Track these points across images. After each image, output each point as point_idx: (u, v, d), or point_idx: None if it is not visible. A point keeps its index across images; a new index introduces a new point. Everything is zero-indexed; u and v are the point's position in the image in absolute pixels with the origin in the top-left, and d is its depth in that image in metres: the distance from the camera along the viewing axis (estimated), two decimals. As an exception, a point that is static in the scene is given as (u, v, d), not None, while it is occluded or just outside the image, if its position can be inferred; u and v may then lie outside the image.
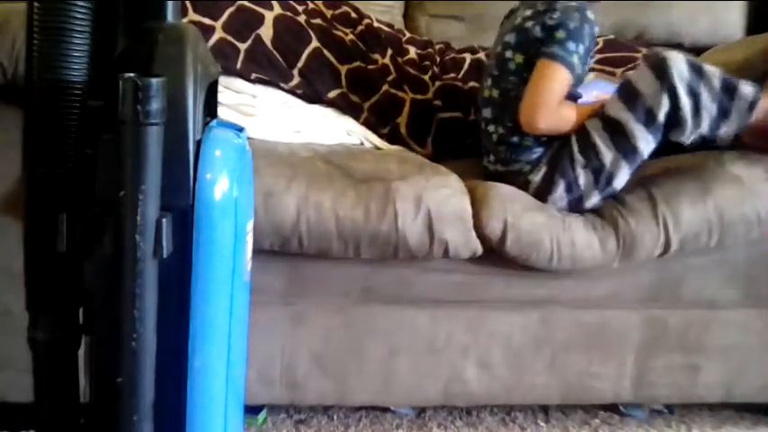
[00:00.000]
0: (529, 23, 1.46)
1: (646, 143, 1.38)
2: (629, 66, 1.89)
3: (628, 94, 1.38)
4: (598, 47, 2.00)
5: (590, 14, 1.43)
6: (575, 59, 1.40)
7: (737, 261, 1.48)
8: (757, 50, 1.81)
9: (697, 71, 1.36)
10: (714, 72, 1.37)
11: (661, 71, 1.35)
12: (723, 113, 1.37)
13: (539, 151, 1.47)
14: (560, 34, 1.40)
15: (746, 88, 1.38)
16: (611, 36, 2.09)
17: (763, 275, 1.49)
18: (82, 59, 0.75)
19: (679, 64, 1.35)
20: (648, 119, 1.36)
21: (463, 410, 1.60)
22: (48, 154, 0.76)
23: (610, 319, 1.48)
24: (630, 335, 1.49)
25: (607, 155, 1.40)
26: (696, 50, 2.15)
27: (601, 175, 1.41)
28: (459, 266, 1.39)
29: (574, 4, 1.44)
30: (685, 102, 1.34)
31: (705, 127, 1.38)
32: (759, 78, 1.74)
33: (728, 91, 1.36)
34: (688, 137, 1.39)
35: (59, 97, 0.75)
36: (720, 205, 1.41)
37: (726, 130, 1.40)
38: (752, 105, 1.38)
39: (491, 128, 1.54)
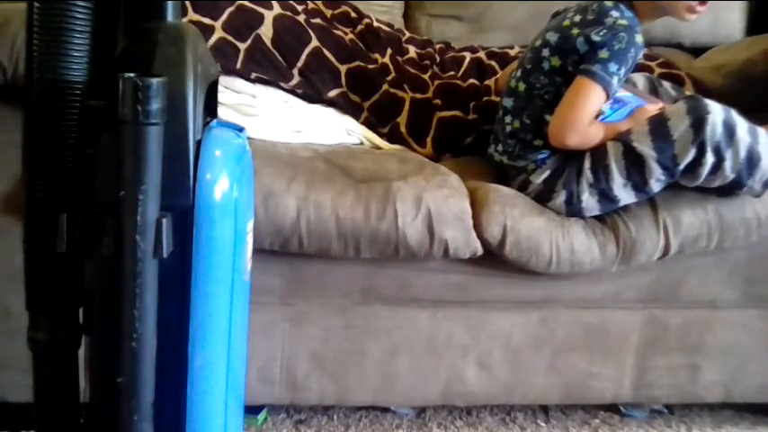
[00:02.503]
0: (575, 30, 1.43)
1: (657, 183, 1.37)
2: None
3: (660, 133, 1.35)
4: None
5: (638, 37, 1.38)
6: (614, 81, 1.37)
7: (737, 261, 1.48)
8: (758, 51, 1.81)
9: (729, 135, 1.32)
10: (744, 138, 1.33)
11: (698, 123, 1.32)
12: (738, 184, 1.36)
13: (545, 153, 1.46)
14: (604, 54, 1.37)
15: (767, 164, 1.35)
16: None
17: (763, 275, 1.50)
18: (82, 59, 0.75)
19: (716, 122, 1.32)
20: (671, 163, 1.34)
21: (463, 410, 1.60)
22: (48, 154, 0.76)
23: (610, 319, 1.48)
24: (630, 335, 1.49)
25: (617, 181, 1.37)
26: (696, 50, 2.15)
27: (605, 197, 1.39)
28: (459, 267, 1.39)
29: (624, 21, 1.39)
30: (708, 159, 1.33)
31: (715, 185, 1.37)
32: (760, 80, 1.75)
33: (750, 163, 1.34)
34: (697, 184, 1.38)
35: (59, 97, 0.75)
36: (720, 209, 1.41)
37: (737, 193, 1.40)
38: (767, 184, 1.37)
39: (508, 119, 1.52)
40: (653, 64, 1.91)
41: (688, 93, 1.70)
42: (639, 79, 1.68)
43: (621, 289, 1.46)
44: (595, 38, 1.39)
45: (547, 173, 1.44)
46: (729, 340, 1.52)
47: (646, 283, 1.47)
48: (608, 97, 1.39)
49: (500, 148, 1.53)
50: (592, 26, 1.41)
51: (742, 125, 1.34)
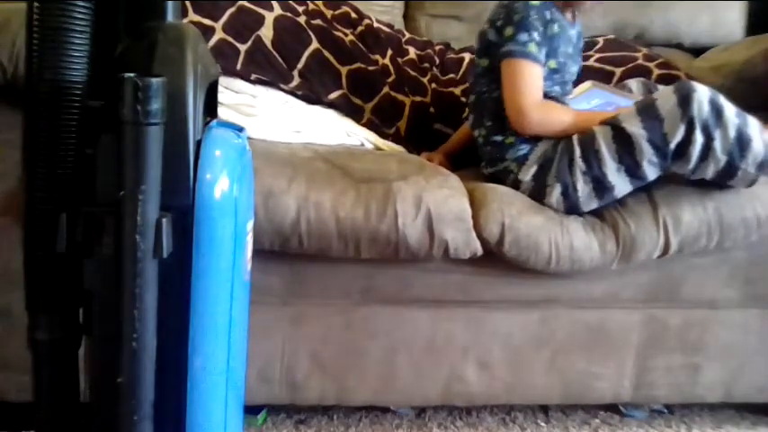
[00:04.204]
0: (486, 26, 1.51)
1: (651, 165, 1.36)
2: (629, 65, 1.90)
3: (648, 113, 1.35)
4: (598, 45, 2.00)
5: (534, 2, 1.43)
6: (531, 48, 1.41)
7: (738, 261, 1.48)
8: (758, 50, 1.81)
9: (717, 114, 1.32)
10: (732, 119, 1.33)
11: (685, 101, 1.33)
12: (731, 168, 1.35)
13: (524, 148, 1.47)
14: (509, 31, 1.43)
15: (758, 146, 1.34)
16: (612, 36, 2.09)
17: (763, 275, 1.49)
18: (82, 59, 0.75)
19: (702, 99, 1.32)
20: (661, 143, 1.34)
21: (463, 410, 1.60)
22: (48, 154, 0.76)
23: (610, 319, 1.48)
24: (630, 335, 1.49)
25: (610, 165, 1.37)
26: (696, 50, 2.15)
27: (600, 185, 1.39)
28: (459, 267, 1.39)
29: (520, 2, 1.45)
30: (698, 138, 1.32)
31: (710, 174, 1.37)
32: (760, 79, 1.75)
33: (741, 144, 1.33)
34: (691, 173, 1.37)
35: (59, 97, 0.75)
36: (720, 208, 1.41)
37: (731, 184, 1.39)
38: (761, 166, 1.36)
39: (476, 132, 1.56)
40: (652, 65, 1.91)
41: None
42: (634, 84, 1.69)
43: (621, 289, 1.46)
44: (499, 23, 1.46)
45: (533, 168, 1.45)
46: (729, 340, 1.52)
47: (646, 283, 1.47)
48: (538, 64, 1.42)
49: (483, 162, 1.56)
50: (498, 17, 1.48)
51: (729, 107, 1.35)
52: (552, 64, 1.48)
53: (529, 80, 1.43)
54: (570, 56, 1.53)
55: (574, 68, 1.57)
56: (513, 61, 1.42)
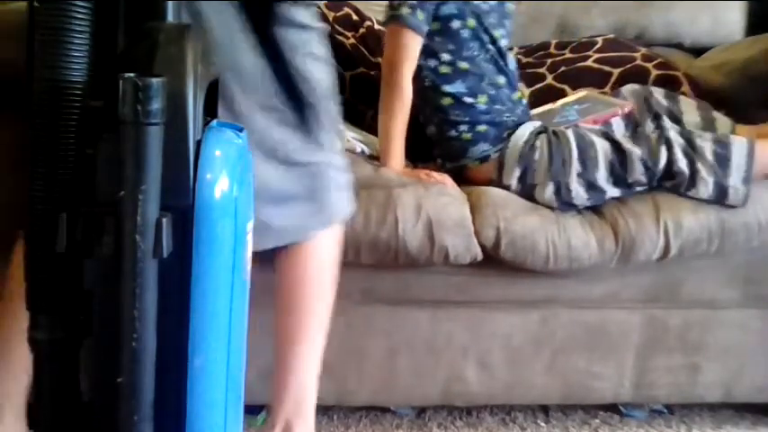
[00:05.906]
0: None
1: (639, 182, 1.41)
2: (628, 65, 1.89)
3: (638, 134, 1.43)
4: (597, 45, 2.00)
5: None
6: (403, 11, 1.48)
7: (737, 261, 1.48)
8: (759, 50, 1.81)
9: (688, 141, 1.40)
10: (705, 145, 1.39)
11: (659, 125, 1.42)
12: (722, 188, 1.39)
13: (488, 149, 1.48)
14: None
15: (738, 157, 1.38)
16: (611, 36, 2.09)
17: (762, 276, 1.49)
18: (82, 59, 0.75)
19: (667, 125, 1.42)
20: (651, 164, 1.39)
21: (463, 410, 1.60)
22: (48, 154, 0.76)
23: (610, 319, 1.48)
24: (630, 335, 1.49)
25: (602, 173, 1.40)
26: (696, 50, 2.15)
27: (593, 187, 1.41)
28: (458, 269, 1.39)
29: None
30: (680, 159, 1.38)
31: (702, 192, 1.39)
32: (760, 78, 1.74)
33: (722, 162, 1.38)
34: (684, 192, 1.40)
35: (59, 97, 0.75)
36: (722, 213, 1.41)
37: (729, 204, 1.41)
38: (746, 179, 1.39)
39: (428, 130, 1.57)
40: (650, 65, 1.91)
41: (682, 98, 1.69)
42: (629, 92, 1.69)
43: (621, 289, 1.46)
44: None
45: (516, 172, 1.45)
46: (729, 340, 1.52)
47: (646, 283, 1.47)
48: (408, 25, 1.48)
49: (439, 160, 1.57)
50: None
51: (697, 137, 1.41)
52: (471, 23, 1.51)
53: (395, 46, 1.50)
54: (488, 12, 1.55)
55: (497, 32, 1.58)
56: (390, 26, 1.51)
